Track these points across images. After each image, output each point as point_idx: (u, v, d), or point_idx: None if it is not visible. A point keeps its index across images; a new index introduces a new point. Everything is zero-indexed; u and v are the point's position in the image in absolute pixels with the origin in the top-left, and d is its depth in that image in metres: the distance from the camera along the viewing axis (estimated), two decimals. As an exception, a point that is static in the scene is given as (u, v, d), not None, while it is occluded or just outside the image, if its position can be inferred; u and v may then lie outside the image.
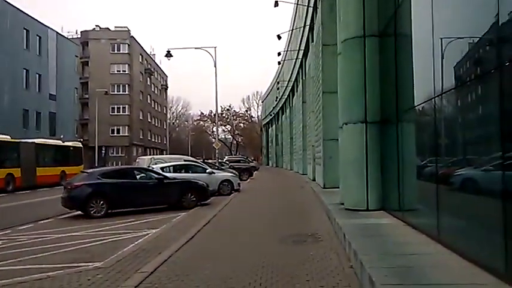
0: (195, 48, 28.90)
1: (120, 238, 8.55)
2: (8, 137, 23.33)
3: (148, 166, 17.02)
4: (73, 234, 9.20)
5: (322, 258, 6.01)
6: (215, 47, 28.98)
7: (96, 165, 46.01)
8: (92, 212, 11.66)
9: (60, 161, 27.27)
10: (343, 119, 9.67)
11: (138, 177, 13.40)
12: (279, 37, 23.60)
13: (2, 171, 21.56)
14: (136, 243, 7.85)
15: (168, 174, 14.97)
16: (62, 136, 40.90)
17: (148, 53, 76.18)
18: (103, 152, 60.25)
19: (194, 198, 13.21)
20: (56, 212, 12.41)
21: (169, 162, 18.39)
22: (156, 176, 13.18)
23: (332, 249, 6.57)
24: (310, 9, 22.52)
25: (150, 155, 57.58)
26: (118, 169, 14.18)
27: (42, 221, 11.39)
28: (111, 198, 11.95)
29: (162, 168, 16.13)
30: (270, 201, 14.50)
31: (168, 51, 28.03)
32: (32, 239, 8.68)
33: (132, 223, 10.57)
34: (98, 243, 8.12)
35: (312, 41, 23.05)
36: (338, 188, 15.65)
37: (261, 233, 8.16)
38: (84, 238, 8.55)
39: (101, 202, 11.79)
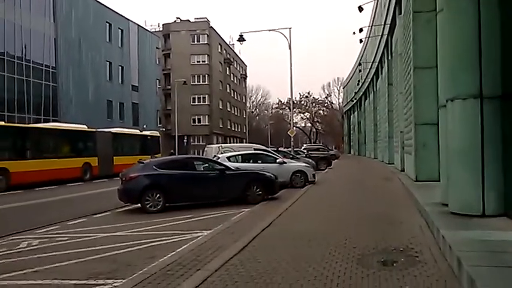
0: (269, 30, 27.24)
1: (164, 242, 7.16)
2: (85, 126, 23.65)
3: (215, 156, 15.73)
4: (116, 234, 8.07)
5: (425, 298, 3.93)
6: (290, 28, 27.12)
7: (176, 153, 46.66)
8: (147, 206, 10.56)
9: (138, 150, 27.28)
10: (448, 94, 7.18)
11: (202, 168, 12.09)
12: (360, 9, 20.74)
13: (79, 161, 21.83)
14: (178, 251, 6.35)
15: (234, 165, 13.56)
16: (144, 126, 41.97)
17: (227, 43, 76.13)
18: (185, 141, 61.36)
19: (260, 192, 11.54)
20: (118, 204, 11.52)
21: (238, 151, 16.95)
22: (218, 166, 11.72)
23: (439, 279, 4.42)
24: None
25: (230, 143, 57.40)
26: (176, 159, 12.99)
27: (98, 215, 10.60)
28: (168, 191, 10.74)
29: (228, 158, 14.74)
30: (349, 197, 12.26)
31: (241, 35, 26.62)
32: (71, 239, 7.67)
33: (187, 220, 9.25)
34: (136, 248, 6.78)
35: (400, 13, 20.06)
36: (433, 181, 13.05)
37: (334, 244, 6.18)
38: (125, 241, 7.28)
39: (157, 195, 10.63)
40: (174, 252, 6.26)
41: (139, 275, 5.11)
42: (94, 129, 24.06)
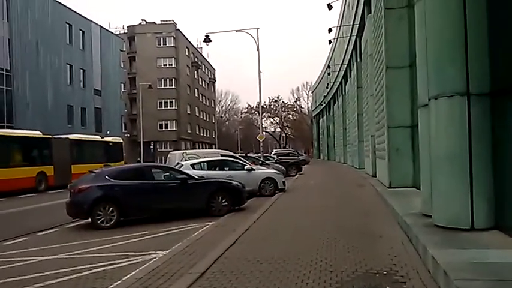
0: (236, 30, 26.34)
1: (110, 267, 6.10)
2: (39, 132, 21.99)
3: (178, 163, 14.66)
4: (58, 257, 6.96)
5: None
6: (257, 29, 26.34)
7: (142, 160, 45.00)
8: (99, 222, 9.45)
9: (99, 158, 25.75)
10: (431, 91, 6.43)
11: (162, 177, 11.03)
12: (329, 7, 20.20)
13: (32, 170, 20.24)
14: (123, 279, 5.34)
15: (199, 172, 12.59)
16: (108, 132, 40.11)
17: (195, 46, 74.77)
18: (151, 147, 59.48)
19: (226, 203, 10.58)
20: (69, 218, 10.29)
21: (204, 157, 15.92)
22: (179, 175, 10.68)
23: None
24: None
25: (198, 149, 55.98)
26: (133, 168, 11.74)
27: (42, 233, 9.46)
28: (122, 204, 9.65)
29: (192, 165, 13.70)
30: (322, 207, 11.37)
31: (207, 36, 25.58)
32: (1, 265, 6.51)
33: (142, 238, 8.22)
34: (75, 276, 5.72)
35: (369, 12, 19.64)
36: (407, 187, 12.52)
37: (308, 268, 5.31)
38: (65, 266, 6.20)
39: (110, 209, 9.53)
40: (118, 282, 5.25)
41: (67, 318, 4.07)
42: (49, 136, 22.40)
